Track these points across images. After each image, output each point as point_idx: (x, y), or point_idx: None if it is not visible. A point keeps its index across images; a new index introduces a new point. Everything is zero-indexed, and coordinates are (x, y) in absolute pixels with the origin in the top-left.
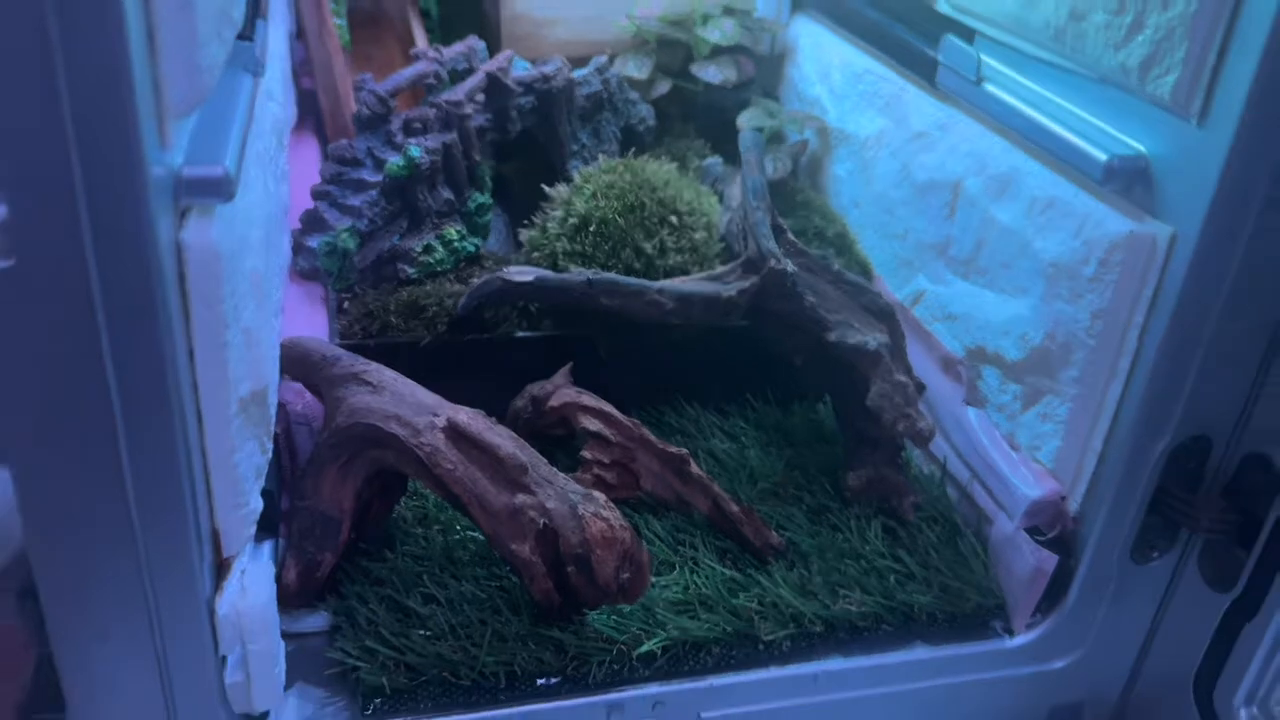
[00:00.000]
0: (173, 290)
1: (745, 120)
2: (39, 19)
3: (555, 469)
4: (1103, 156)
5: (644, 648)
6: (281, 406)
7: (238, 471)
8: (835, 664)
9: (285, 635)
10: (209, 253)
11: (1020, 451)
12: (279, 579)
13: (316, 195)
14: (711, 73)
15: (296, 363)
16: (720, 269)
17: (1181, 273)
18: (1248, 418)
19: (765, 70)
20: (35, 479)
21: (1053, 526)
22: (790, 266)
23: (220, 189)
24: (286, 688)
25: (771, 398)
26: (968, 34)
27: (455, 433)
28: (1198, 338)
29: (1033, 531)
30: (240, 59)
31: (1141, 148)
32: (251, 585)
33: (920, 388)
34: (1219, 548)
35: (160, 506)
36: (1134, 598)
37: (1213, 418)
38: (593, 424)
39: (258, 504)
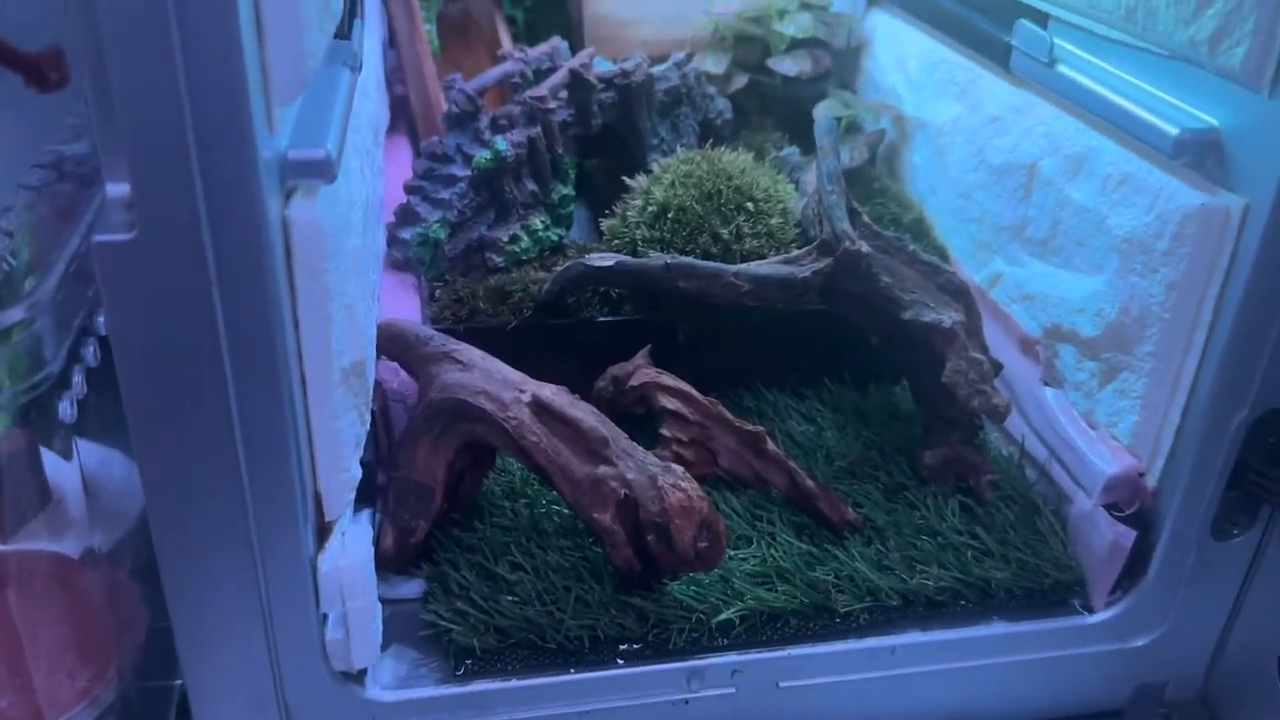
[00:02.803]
0: (280, 263)
1: (822, 110)
2: (160, 8)
3: (635, 444)
4: (1174, 130)
5: (722, 616)
6: (379, 385)
7: (339, 437)
8: (912, 638)
9: (382, 600)
10: (313, 228)
11: (1098, 429)
12: (376, 545)
13: (409, 190)
14: (787, 65)
15: (392, 342)
16: (795, 252)
17: (1255, 244)
18: None
19: (842, 63)
20: (154, 442)
21: (1131, 502)
22: (864, 247)
23: (323, 170)
24: (383, 649)
25: (848, 380)
26: (1041, 19)
27: (540, 407)
28: (1273, 308)
29: (1111, 508)
30: (339, 55)
31: (1213, 121)
32: (351, 546)
33: (997, 366)
34: None
35: (268, 469)
36: (1215, 576)
37: None
38: (671, 403)
39: (357, 471)
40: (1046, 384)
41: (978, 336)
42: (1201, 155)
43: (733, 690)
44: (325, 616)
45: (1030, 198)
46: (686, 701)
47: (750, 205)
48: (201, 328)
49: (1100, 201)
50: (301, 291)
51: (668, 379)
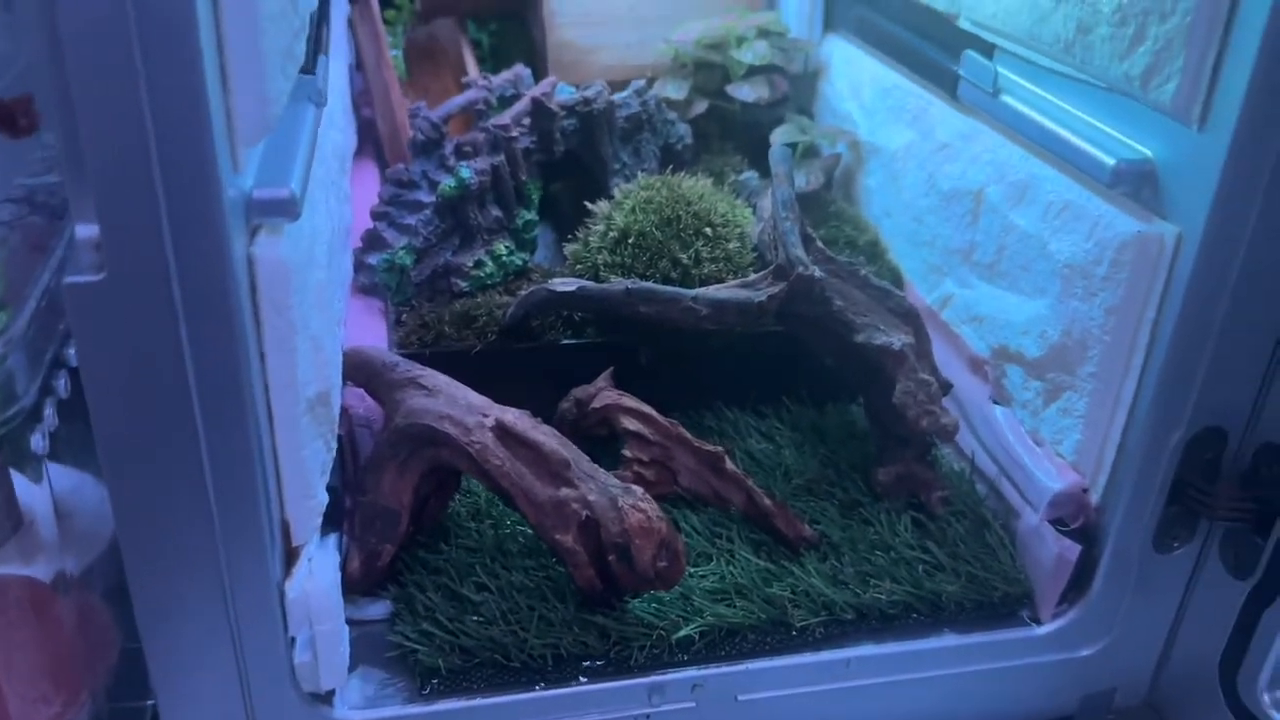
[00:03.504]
0: (245, 300)
1: (778, 136)
2: (127, 58)
3: (597, 465)
4: (1111, 161)
5: (682, 632)
6: (345, 410)
7: (306, 466)
8: (866, 650)
9: (350, 622)
10: (278, 265)
11: (1044, 446)
12: (343, 568)
13: (376, 216)
14: (746, 91)
15: (358, 369)
16: (752, 277)
17: (1188, 270)
18: (1261, 409)
19: (799, 88)
20: (125, 474)
21: (1076, 518)
22: (817, 272)
23: (287, 209)
24: (350, 670)
25: (807, 399)
26: (987, 49)
27: (503, 431)
28: (1206, 332)
29: (1057, 523)
30: (304, 90)
31: (1148, 152)
32: (318, 571)
33: (946, 386)
34: (1238, 536)
35: (236, 498)
36: (1158, 587)
37: (1226, 409)
38: (633, 424)
39: (324, 497)
40: (995, 402)
41: (927, 358)
42: (1138, 185)
43: (693, 704)
44: (293, 639)
45: (978, 223)
46: (648, 716)
47: (709, 230)
48: (170, 364)
49: (1042, 228)
50: (267, 326)
51: (629, 401)
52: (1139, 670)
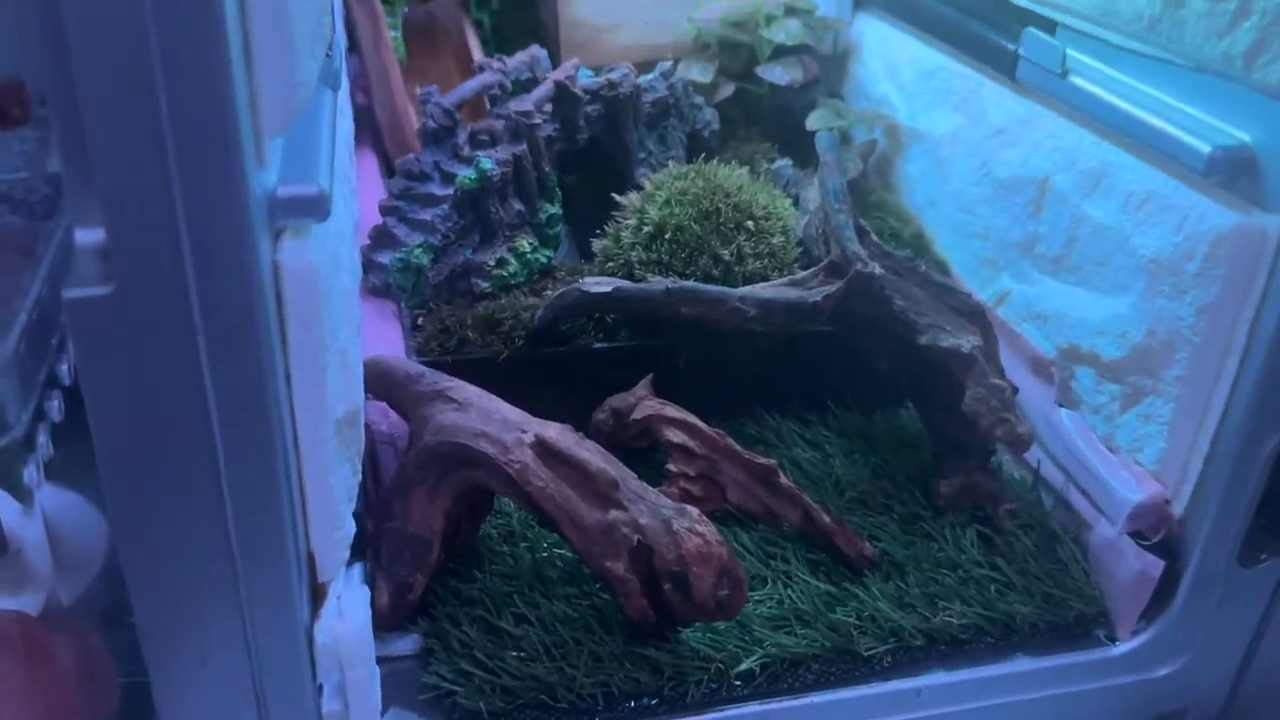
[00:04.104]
0: (272, 313)
1: (815, 121)
2: (139, 34)
3: (645, 484)
4: (1206, 148)
5: (743, 666)
6: (366, 427)
7: (333, 494)
8: (938, 678)
9: (378, 659)
10: (308, 274)
11: (1120, 454)
12: (371, 603)
13: (385, 211)
14: (778, 74)
15: (379, 381)
16: (802, 274)
17: None
18: None
19: (828, 70)
20: (135, 508)
21: (1157, 530)
22: (877, 269)
23: (316, 208)
24: (382, 714)
25: (853, 404)
26: (1047, 26)
27: (544, 449)
28: None
29: (1136, 536)
30: (323, 74)
31: (1246, 137)
32: (349, 611)
33: (1014, 390)
34: None
35: (259, 532)
36: (1239, 602)
37: None
38: (677, 436)
39: (352, 527)
40: (1062, 405)
41: (995, 361)
42: (1235, 174)
43: None
44: (321, 686)
45: (1041, 213)
46: None
47: (750, 224)
48: (188, 386)
49: (1122, 220)
50: (294, 343)
51: (672, 410)
52: (1214, 690)
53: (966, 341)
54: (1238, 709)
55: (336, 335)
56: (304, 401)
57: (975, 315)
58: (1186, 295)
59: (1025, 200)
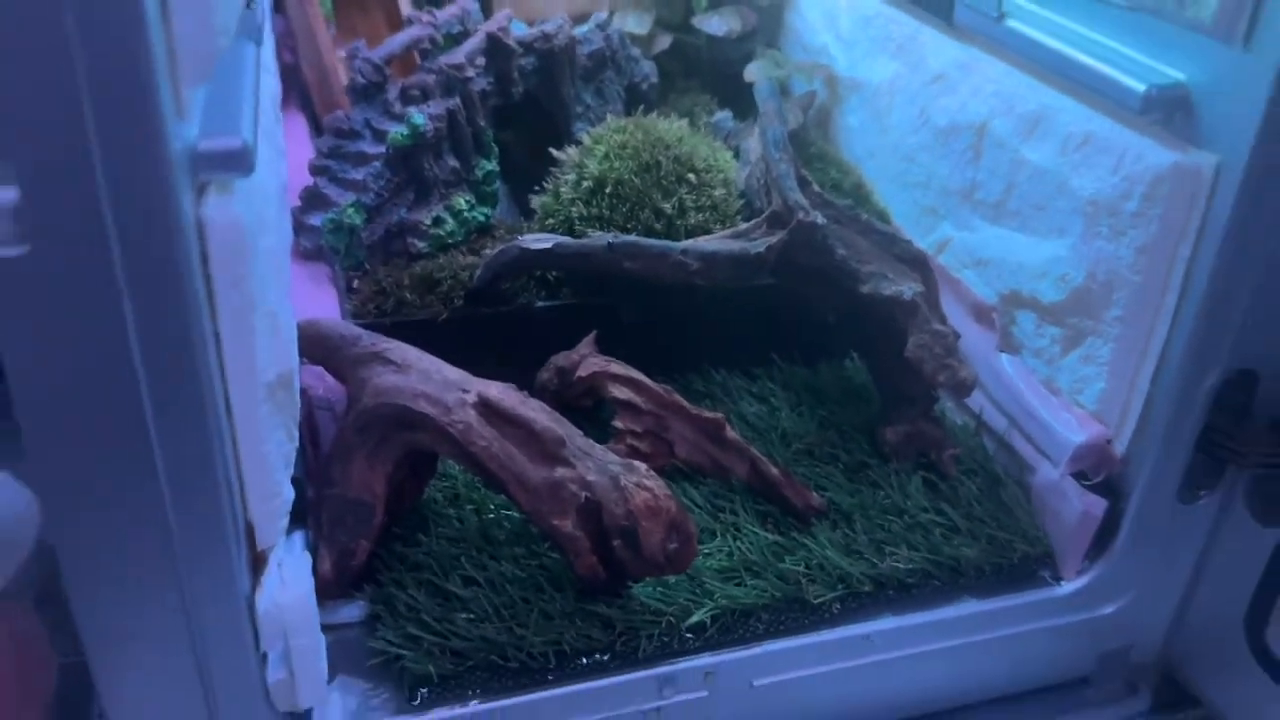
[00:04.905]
0: (197, 271)
1: (753, 72)
2: None
3: (592, 441)
4: (1141, 87)
5: (693, 618)
6: (302, 392)
7: (269, 461)
8: (887, 623)
9: (323, 627)
10: (232, 229)
11: (1061, 396)
12: (314, 570)
13: (315, 171)
14: (715, 24)
15: (316, 344)
16: (744, 226)
17: (1229, 203)
18: None
19: (766, 20)
20: (63, 482)
21: (1099, 471)
22: (819, 218)
23: (240, 161)
24: (328, 682)
25: (798, 357)
26: None
27: (487, 408)
28: (1246, 268)
29: (1078, 477)
30: (243, 26)
31: (1181, 76)
32: (290, 578)
33: (956, 336)
34: (1267, 482)
35: (194, 500)
36: (1180, 538)
37: (1260, 350)
38: (622, 393)
39: (290, 494)
40: (1003, 351)
41: (937, 307)
42: (1170, 112)
43: (706, 694)
44: (265, 656)
45: (980, 159)
46: (659, 710)
47: (692, 176)
48: (114, 351)
49: (1060, 163)
50: (222, 302)
51: (617, 367)
52: (1156, 626)
53: (909, 289)
54: (1179, 645)
55: (265, 295)
56: (234, 363)
57: (917, 262)
58: (1125, 236)
59: (964, 147)
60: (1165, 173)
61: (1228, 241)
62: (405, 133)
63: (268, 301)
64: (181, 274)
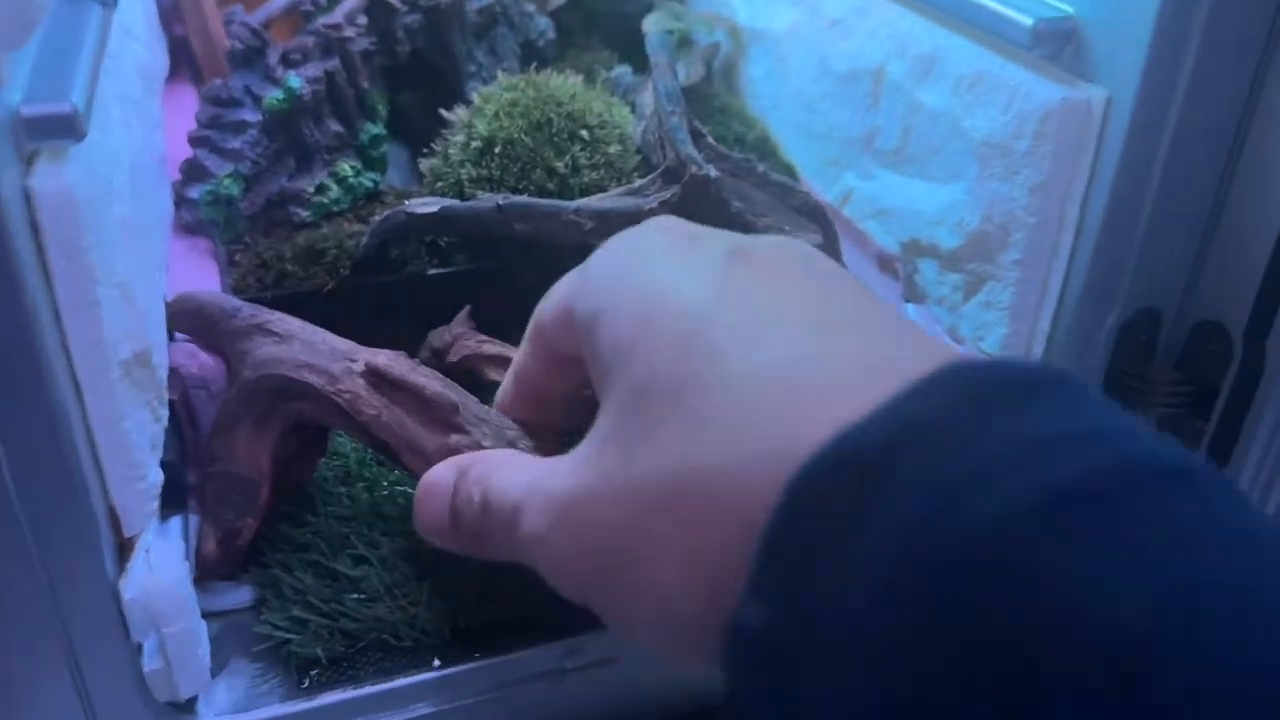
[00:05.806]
0: (27, 245)
1: (650, 24)
2: None
3: (488, 408)
4: (1029, 20)
5: None
6: (174, 371)
7: (129, 440)
8: None
9: (209, 614)
10: (64, 199)
11: (964, 343)
12: (197, 551)
13: (194, 142)
14: None
15: (191, 317)
16: (639, 182)
17: (1120, 137)
18: (1195, 285)
19: None
20: None
21: None
22: (712, 172)
23: (69, 127)
24: (216, 669)
25: None
26: None
27: (376, 376)
28: (1140, 205)
29: None
30: None
31: (1069, 9)
32: (160, 564)
33: None
34: (1177, 421)
35: (46, 485)
36: None
37: (1161, 288)
38: (499, 375)
39: (157, 476)
40: (908, 300)
41: (838, 258)
42: (1059, 46)
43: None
44: (140, 646)
45: (878, 105)
46: (563, 675)
47: (585, 133)
48: None
49: (953, 104)
50: (58, 275)
51: (491, 347)
52: None
53: (807, 240)
54: None
55: (112, 267)
56: (79, 339)
57: (815, 214)
58: (1018, 175)
59: (863, 93)
60: (1055, 108)
61: (1121, 176)
62: (280, 96)
63: (115, 274)
64: (9, 248)
